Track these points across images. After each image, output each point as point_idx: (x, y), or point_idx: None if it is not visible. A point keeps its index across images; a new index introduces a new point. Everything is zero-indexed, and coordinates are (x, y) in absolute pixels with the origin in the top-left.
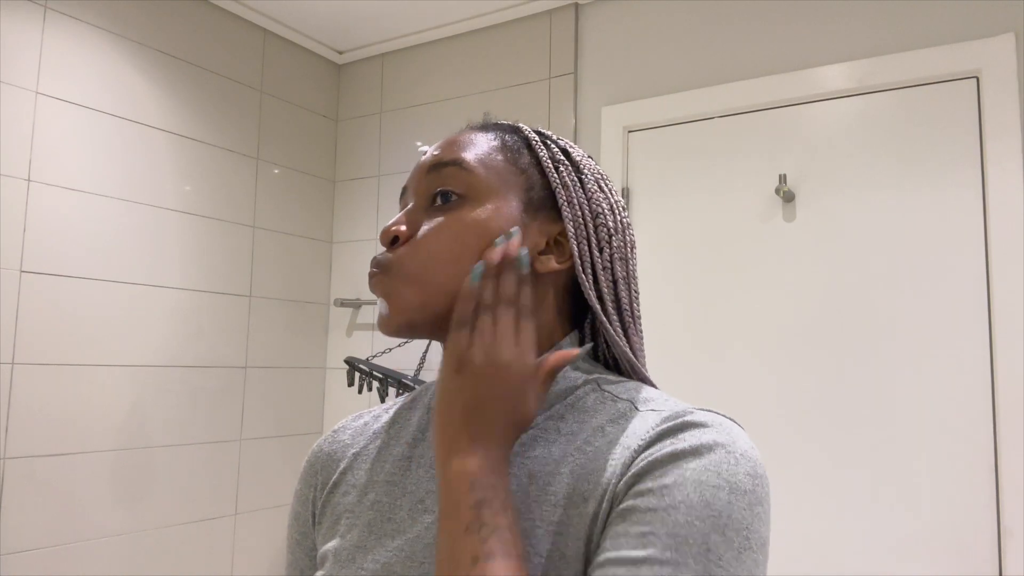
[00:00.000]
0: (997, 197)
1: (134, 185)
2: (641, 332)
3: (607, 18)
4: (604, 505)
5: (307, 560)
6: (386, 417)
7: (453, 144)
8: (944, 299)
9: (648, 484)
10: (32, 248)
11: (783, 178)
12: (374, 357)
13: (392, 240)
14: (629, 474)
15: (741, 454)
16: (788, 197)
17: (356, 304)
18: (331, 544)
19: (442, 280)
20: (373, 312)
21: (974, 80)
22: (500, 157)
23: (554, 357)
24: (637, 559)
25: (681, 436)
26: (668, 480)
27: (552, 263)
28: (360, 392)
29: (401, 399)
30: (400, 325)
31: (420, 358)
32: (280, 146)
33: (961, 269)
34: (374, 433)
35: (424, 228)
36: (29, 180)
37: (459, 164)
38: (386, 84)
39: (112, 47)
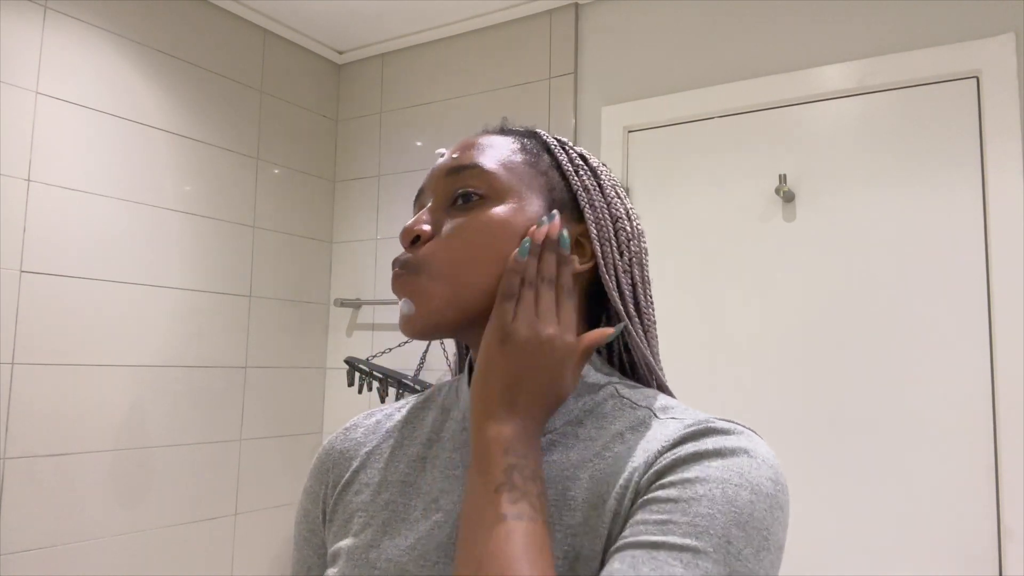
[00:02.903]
0: (997, 197)
1: (134, 185)
2: (657, 337)
3: (607, 18)
4: (625, 503)
5: (315, 558)
6: (399, 416)
7: (471, 147)
8: (944, 299)
9: (670, 478)
10: (32, 248)
11: (783, 178)
12: (374, 357)
13: (413, 239)
14: (651, 471)
15: (763, 460)
16: (788, 197)
17: (356, 304)
18: (344, 542)
19: (472, 278)
20: (373, 312)
21: (974, 80)
22: (519, 159)
23: (592, 335)
24: (656, 543)
25: (704, 440)
26: (691, 475)
27: (576, 264)
28: (360, 392)
29: (412, 399)
30: (428, 325)
31: (420, 358)
32: (280, 146)
33: (961, 269)
34: (387, 432)
35: (448, 226)
36: (29, 180)
37: (479, 166)
38: (386, 84)
39: (112, 47)
